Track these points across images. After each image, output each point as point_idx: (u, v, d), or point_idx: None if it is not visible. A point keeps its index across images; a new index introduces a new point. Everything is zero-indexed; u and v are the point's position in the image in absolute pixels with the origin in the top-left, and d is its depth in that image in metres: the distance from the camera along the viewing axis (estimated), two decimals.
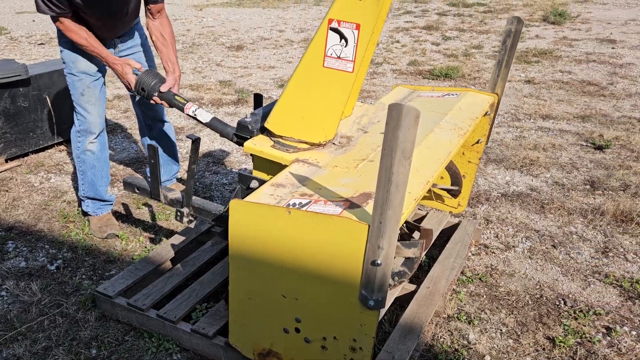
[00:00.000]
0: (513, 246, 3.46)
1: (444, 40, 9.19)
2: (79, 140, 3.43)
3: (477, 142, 3.26)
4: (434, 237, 3.27)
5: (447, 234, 3.39)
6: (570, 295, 2.99)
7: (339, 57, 2.27)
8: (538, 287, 3.07)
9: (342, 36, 2.23)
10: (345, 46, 2.25)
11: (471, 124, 2.73)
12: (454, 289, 3.03)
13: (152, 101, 3.04)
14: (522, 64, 7.60)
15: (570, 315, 2.83)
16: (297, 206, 1.96)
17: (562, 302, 2.94)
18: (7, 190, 4.25)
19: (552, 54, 8.03)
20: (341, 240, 1.85)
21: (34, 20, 11.41)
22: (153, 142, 3.73)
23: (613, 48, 8.26)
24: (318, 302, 2.02)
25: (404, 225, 2.95)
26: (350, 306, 1.94)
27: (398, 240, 2.58)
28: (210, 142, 5.19)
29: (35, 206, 4.00)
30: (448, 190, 3.34)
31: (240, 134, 2.58)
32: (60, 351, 2.62)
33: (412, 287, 2.87)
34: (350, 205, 1.95)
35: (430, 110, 2.90)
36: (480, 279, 3.13)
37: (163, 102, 3.03)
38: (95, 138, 3.43)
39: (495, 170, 4.51)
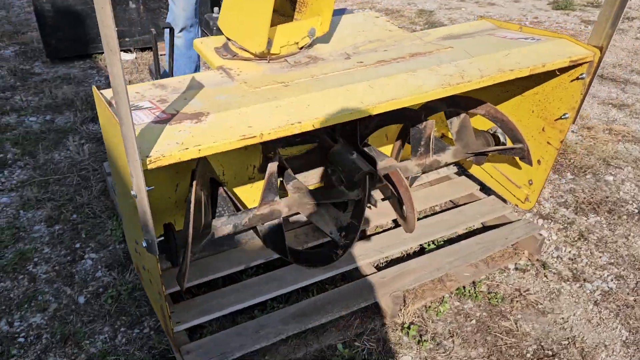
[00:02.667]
0: (585, 280, 2.38)
1: None
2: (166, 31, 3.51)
3: (562, 117, 2.24)
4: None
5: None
6: None
7: None
8: (566, 341, 2.07)
9: None
10: None
11: (492, 76, 1.85)
12: (442, 297, 2.26)
13: None
14: None
15: None
16: (132, 107, 1.63)
17: None
18: None
19: None
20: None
21: None
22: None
23: None
24: (130, 212, 1.71)
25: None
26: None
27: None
28: None
29: None
30: (510, 152, 2.41)
31: (204, 30, 2.26)
32: (49, 204, 2.86)
33: (373, 270, 2.24)
34: (164, 120, 1.53)
35: (465, 50, 2.07)
36: (490, 300, 2.26)
37: None
38: (180, 32, 3.46)
39: None
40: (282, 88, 1.76)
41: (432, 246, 2.49)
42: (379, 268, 2.30)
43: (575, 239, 2.63)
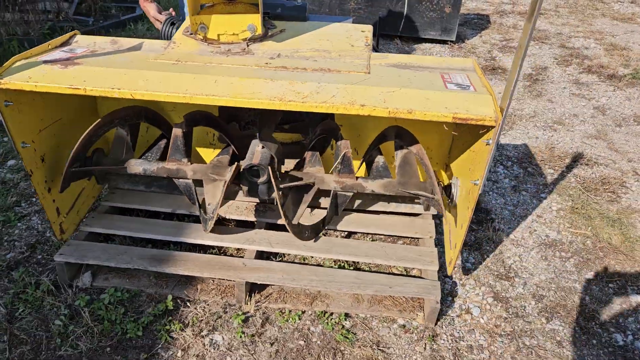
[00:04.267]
0: None
1: None
2: None
3: (474, 183, 1.98)
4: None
5: None
6: None
7: None
8: None
9: None
10: None
11: (326, 104, 1.81)
12: (301, 311, 2.28)
13: None
14: None
15: None
16: (67, 50, 2.19)
17: None
18: None
19: None
20: None
21: None
22: None
23: None
24: None
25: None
26: None
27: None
28: None
29: None
30: (427, 200, 2.23)
31: None
32: None
33: (251, 256, 2.39)
34: (55, 61, 2.02)
35: (372, 78, 2.01)
36: (337, 335, 2.18)
37: None
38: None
39: None
40: (168, 64, 2.07)
41: (333, 265, 2.46)
42: (262, 258, 2.43)
43: (503, 333, 2.24)
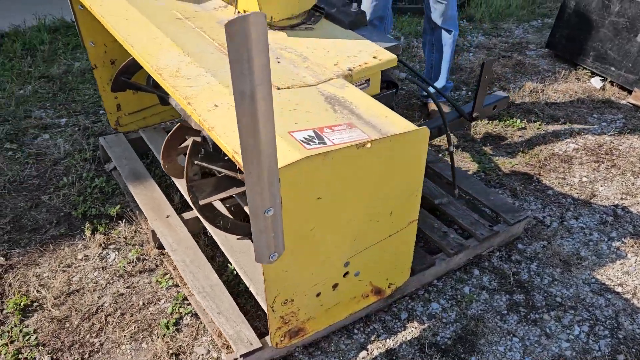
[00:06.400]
0: None
1: None
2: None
3: None
4: None
5: None
6: None
7: None
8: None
9: None
10: None
11: (169, 88, 1.74)
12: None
13: None
14: None
15: None
16: None
17: None
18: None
19: None
20: None
21: None
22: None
23: None
24: None
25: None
26: None
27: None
28: None
29: None
30: None
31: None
32: None
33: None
34: None
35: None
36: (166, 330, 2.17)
37: None
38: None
39: None
40: (174, 15, 2.30)
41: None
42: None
43: None
